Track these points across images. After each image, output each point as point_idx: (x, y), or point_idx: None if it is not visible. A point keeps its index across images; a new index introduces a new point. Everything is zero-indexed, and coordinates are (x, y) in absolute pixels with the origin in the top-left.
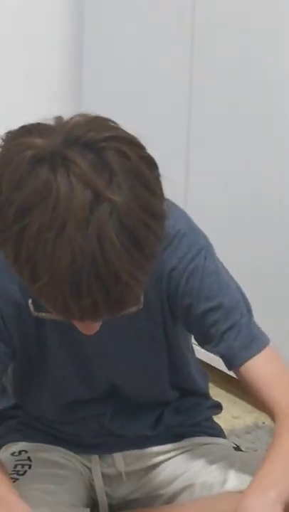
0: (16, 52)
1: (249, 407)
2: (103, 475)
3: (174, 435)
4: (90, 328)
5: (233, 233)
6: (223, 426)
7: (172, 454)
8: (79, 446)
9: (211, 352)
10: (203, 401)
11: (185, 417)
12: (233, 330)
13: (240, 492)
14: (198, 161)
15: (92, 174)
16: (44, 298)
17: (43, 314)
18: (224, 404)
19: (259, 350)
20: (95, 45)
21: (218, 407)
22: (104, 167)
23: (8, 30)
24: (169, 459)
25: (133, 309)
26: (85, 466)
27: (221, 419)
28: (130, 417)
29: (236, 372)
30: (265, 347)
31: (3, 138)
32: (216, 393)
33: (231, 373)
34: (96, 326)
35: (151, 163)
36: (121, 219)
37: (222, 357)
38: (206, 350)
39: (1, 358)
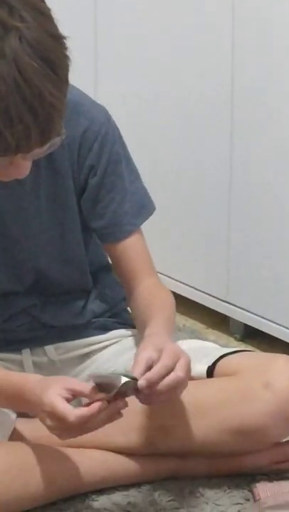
0: None
1: None
2: (35, 364)
3: (100, 327)
4: (22, 168)
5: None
6: None
7: (102, 345)
8: (10, 343)
9: (95, 227)
10: (116, 288)
11: (107, 306)
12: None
13: None
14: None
15: None
16: None
17: None
18: None
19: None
20: None
21: None
22: (3, 3)
23: None
24: (101, 349)
25: (57, 141)
26: (16, 364)
27: None
28: (59, 307)
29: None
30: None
31: None
32: None
33: None
34: (27, 165)
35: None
36: (31, 44)
37: (105, 228)
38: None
39: None
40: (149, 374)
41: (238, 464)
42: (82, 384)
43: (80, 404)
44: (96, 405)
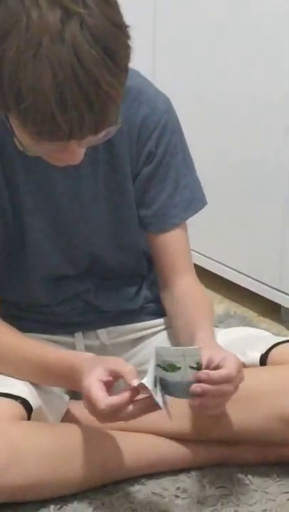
0: None
1: (220, 297)
2: (87, 348)
3: (152, 312)
4: (75, 155)
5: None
6: None
7: (154, 330)
8: (63, 326)
9: (141, 215)
10: None
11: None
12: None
13: None
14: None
15: None
16: (31, 118)
17: (30, 151)
18: None
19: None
20: None
21: None
22: None
23: None
24: (152, 335)
25: (113, 130)
26: (69, 347)
27: None
28: (112, 292)
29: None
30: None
31: None
32: None
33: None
34: (81, 152)
35: None
36: (91, 31)
37: (151, 218)
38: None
39: None
40: (214, 373)
41: (288, 452)
42: (126, 366)
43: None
44: (126, 394)
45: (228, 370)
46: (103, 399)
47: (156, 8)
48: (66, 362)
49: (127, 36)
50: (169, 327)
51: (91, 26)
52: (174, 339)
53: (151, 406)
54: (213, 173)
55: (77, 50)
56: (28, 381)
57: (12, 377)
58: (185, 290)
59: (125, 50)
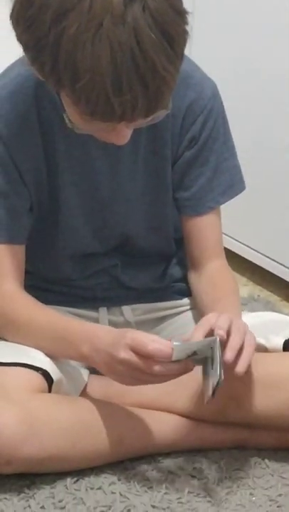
0: None
1: (244, 279)
2: (110, 323)
3: (178, 292)
4: (123, 135)
5: None
6: None
7: (179, 309)
8: (88, 301)
9: (178, 197)
10: None
11: (186, 271)
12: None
13: None
14: None
15: None
16: (85, 98)
17: (78, 129)
18: None
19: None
20: None
21: None
22: None
23: None
24: (177, 314)
25: (163, 114)
26: (92, 322)
27: None
28: (139, 269)
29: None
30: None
31: None
32: None
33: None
34: (128, 133)
35: None
36: (153, 15)
37: (188, 200)
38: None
39: (27, 215)
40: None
41: None
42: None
43: None
44: (170, 343)
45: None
46: (152, 340)
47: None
48: (89, 330)
49: (186, 23)
50: (193, 307)
51: (153, 10)
52: (198, 318)
53: (184, 369)
54: (251, 160)
55: (137, 33)
56: (50, 353)
57: (36, 347)
58: (213, 273)
59: (183, 37)
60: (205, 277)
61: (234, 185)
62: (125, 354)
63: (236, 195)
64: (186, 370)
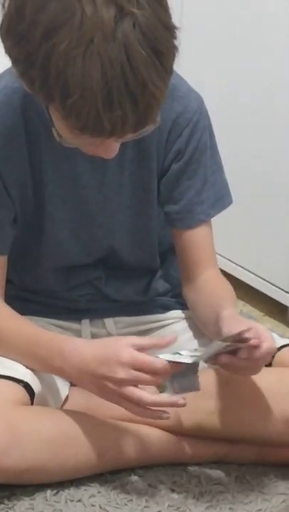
0: None
1: None
2: (92, 335)
3: (162, 306)
4: (111, 149)
5: None
6: None
7: (162, 323)
8: (71, 312)
9: (168, 211)
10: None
11: (170, 286)
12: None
13: None
14: None
15: None
16: (75, 115)
17: (67, 143)
18: None
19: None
20: None
21: None
22: None
23: None
24: (159, 328)
25: (151, 128)
26: (74, 334)
27: None
28: (123, 281)
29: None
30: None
31: None
32: None
33: None
34: (116, 147)
35: None
36: (143, 31)
37: (178, 214)
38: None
39: (10, 226)
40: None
41: (286, 454)
42: (151, 341)
43: None
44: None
45: (268, 343)
46: (157, 359)
47: (184, 5)
48: (56, 344)
49: (175, 37)
50: (175, 322)
51: (143, 26)
52: (195, 330)
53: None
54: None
55: (127, 49)
56: (28, 366)
57: (14, 360)
58: (208, 280)
59: (172, 52)
60: (198, 289)
61: (223, 197)
62: (126, 374)
63: (225, 208)
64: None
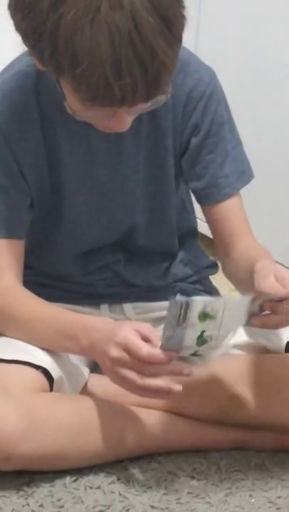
0: None
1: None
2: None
3: (181, 292)
4: (124, 121)
5: None
6: None
7: None
8: (90, 297)
9: (193, 188)
10: (201, 256)
11: (190, 271)
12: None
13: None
14: None
15: None
16: (85, 84)
17: (79, 116)
18: (223, 278)
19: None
20: None
21: (214, 266)
22: None
23: None
24: None
25: (163, 99)
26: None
27: (220, 292)
28: (142, 266)
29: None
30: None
31: None
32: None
33: None
34: (129, 120)
35: None
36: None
37: (203, 190)
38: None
39: (27, 211)
40: None
41: None
42: (154, 331)
43: None
44: (170, 354)
45: None
46: (146, 345)
47: None
48: (86, 322)
49: (184, 6)
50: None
51: None
52: None
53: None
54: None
55: (134, 16)
56: (45, 348)
57: (31, 344)
58: (244, 249)
59: (181, 20)
60: (236, 258)
61: (246, 172)
62: (117, 353)
63: (249, 182)
64: (180, 372)
